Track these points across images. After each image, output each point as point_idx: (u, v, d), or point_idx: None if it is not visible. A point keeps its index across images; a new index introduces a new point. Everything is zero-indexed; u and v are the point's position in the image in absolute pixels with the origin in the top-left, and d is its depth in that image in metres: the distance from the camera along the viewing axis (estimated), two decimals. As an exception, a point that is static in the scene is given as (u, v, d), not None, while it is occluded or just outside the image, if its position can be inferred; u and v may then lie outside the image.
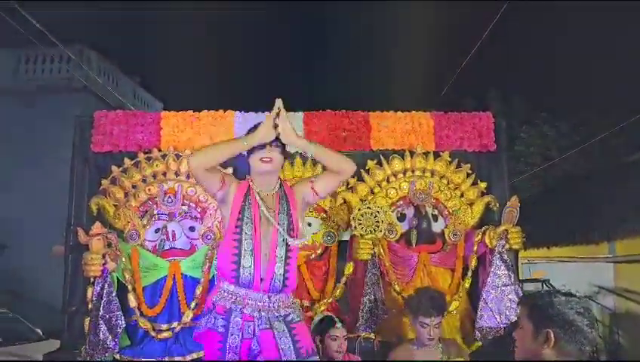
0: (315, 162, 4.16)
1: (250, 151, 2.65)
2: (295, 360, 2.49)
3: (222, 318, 2.55)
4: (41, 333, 8.15)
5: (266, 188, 2.69)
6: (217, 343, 2.52)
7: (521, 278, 4.30)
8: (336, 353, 3.36)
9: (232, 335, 2.52)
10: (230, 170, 4.09)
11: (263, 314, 2.55)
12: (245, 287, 2.56)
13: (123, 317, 3.74)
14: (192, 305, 3.88)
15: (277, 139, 2.61)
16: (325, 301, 4.02)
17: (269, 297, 2.57)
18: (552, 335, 1.81)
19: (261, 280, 2.55)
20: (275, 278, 2.56)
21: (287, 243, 2.60)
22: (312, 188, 2.69)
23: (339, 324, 3.45)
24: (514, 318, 3.80)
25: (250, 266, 2.55)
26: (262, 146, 2.60)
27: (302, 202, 2.72)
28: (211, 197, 3.93)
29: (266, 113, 4.22)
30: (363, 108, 4.44)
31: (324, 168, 4.11)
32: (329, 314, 3.71)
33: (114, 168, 4.12)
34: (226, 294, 2.59)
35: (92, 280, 3.80)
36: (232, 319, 2.54)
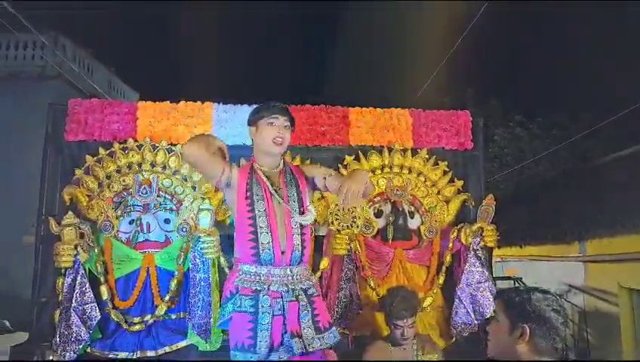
0: (302, 161, 4.17)
1: (256, 127, 2.68)
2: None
3: (249, 298, 2.55)
4: (9, 325, 7.98)
5: (271, 166, 2.70)
6: (247, 323, 2.51)
7: (494, 276, 4.35)
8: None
9: (262, 314, 2.51)
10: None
11: (289, 287, 2.58)
12: (267, 265, 2.58)
13: (97, 309, 3.69)
14: (166, 298, 3.84)
15: (290, 119, 2.68)
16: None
17: (291, 270, 2.61)
18: (528, 331, 1.84)
19: (282, 253, 2.58)
20: (295, 249, 2.60)
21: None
22: (325, 179, 2.69)
23: None
24: (488, 315, 3.85)
25: (269, 242, 2.57)
26: (271, 123, 2.63)
27: (311, 182, 2.75)
28: (191, 190, 3.92)
29: (245, 106, 4.26)
30: (342, 103, 4.45)
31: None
32: None
33: (88, 158, 4.04)
34: (248, 276, 2.59)
35: (63, 271, 3.74)
36: (261, 298, 2.54)
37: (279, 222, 2.60)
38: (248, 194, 2.61)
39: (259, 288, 2.55)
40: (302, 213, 2.64)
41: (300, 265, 2.64)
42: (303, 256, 2.65)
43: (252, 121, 2.73)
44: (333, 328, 2.69)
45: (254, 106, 4.19)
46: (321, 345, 2.59)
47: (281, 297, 2.56)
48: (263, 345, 2.48)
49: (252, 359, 2.49)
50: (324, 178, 2.69)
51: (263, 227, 2.57)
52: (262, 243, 2.56)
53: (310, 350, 2.54)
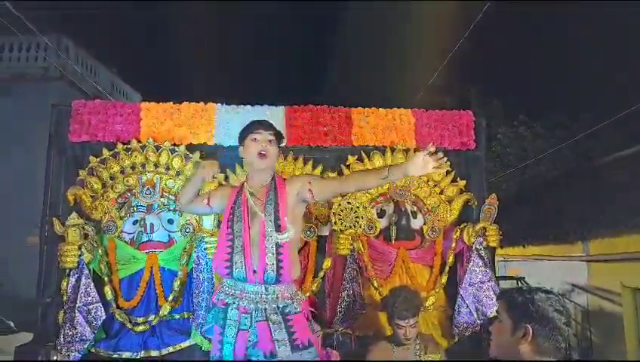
0: (305, 160, 4.20)
1: (243, 146, 2.76)
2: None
3: (221, 311, 2.63)
4: (13, 326, 8.00)
5: (259, 181, 2.77)
6: (218, 335, 2.60)
7: (497, 275, 4.35)
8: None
9: (229, 326, 2.57)
10: (216, 163, 4.07)
11: (259, 306, 2.59)
12: (241, 281, 2.62)
13: (103, 308, 3.70)
14: (170, 298, 3.85)
15: (274, 133, 2.75)
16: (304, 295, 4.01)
17: (265, 289, 2.62)
18: (531, 331, 1.84)
19: (254, 272, 2.60)
20: (268, 269, 2.59)
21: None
22: (310, 190, 2.68)
23: (313, 322, 3.45)
24: (491, 314, 3.85)
25: (241, 261, 2.61)
26: (255, 138, 2.71)
27: (295, 197, 2.72)
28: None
29: (248, 106, 4.27)
30: (345, 104, 4.45)
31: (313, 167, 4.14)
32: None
33: (92, 159, 4.06)
34: (226, 289, 2.67)
35: (67, 271, 3.76)
36: (229, 311, 2.60)
37: (253, 242, 2.62)
38: (230, 216, 2.71)
39: (230, 301, 2.62)
40: (279, 230, 2.62)
41: (278, 284, 2.62)
42: (280, 276, 2.60)
43: (240, 141, 2.81)
44: (313, 347, 2.64)
45: (257, 107, 4.27)
46: None
47: (249, 314, 2.59)
48: (228, 357, 2.55)
49: None
50: (309, 189, 2.68)
51: (238, 247, 2.63)
52: (235, 262, 2.62)
53: None
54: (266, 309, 2.59)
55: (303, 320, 2.67)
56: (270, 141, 2.72)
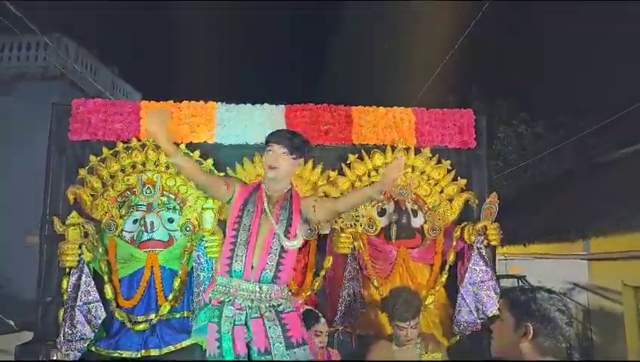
0: (306, 159, 4.16)
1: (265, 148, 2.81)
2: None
3: (217, 309, 2.64)
4: (14, 325, 7.99)
5: (275, 189, 2.81)
6: (214, 333, 2.60)
7: (498, 274, 4.35)
8: (319, 348, 3.38)
9: (225, 323, 2.58)
10: (210, 161, 4.08)
11: (255, 303, 2.61)
12: (237, 278, 2.63)
13: (103, 307, 3.71)
14: (170, 297, 3.85)
15: (288, 146, 2.75)
16: (304, 294, 4.01)
17: (260, 287, 2.63)
18: (532, 329, 1.84)
19: (252, 267, 2.62)
20: (267, 268, 2.63)
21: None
22: (314, 207, 2.78)
23: (323, 320, 3.46)
24: (491, 313, 3.84)
25: (242, 255, 2.63)
26: (269, 150, 2.76)
27: (303, 215, 2.79)
28: (195, 190, 3.94)
29: (248, 105, 4.27)
30: (345, 102, 4.45)
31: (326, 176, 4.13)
32: (311, 308, 3.70)
33: (92, 157, 4.06)
34: (220, 287, 2.67)
35: (68, 270, 3.76)
36: (225, 308, 2.61)
37: (260, 238, 2.66)
38: (241, 209, 2.73)
39: (225, 299, 2.63)
40: (287, 238, 2.69)
41: (272, 284, 2.66)
42: (277, 279, 2.65)
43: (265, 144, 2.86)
44: (307, 345, 2.66)
45: (257, 105, 4.27)
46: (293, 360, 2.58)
47: (245, 311, 2.60)
48: (227, 353, 2.55)
49: None
50: (314, 209, 2.77)
51: (242, 241, 2.65)
52: (236, 255, 2.64)
53: None
54: (260, 307, 2.61)
55: (296, 318, 2.70)
56: (282, 154, 2.75)
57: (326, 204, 2.85)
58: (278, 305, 2.65)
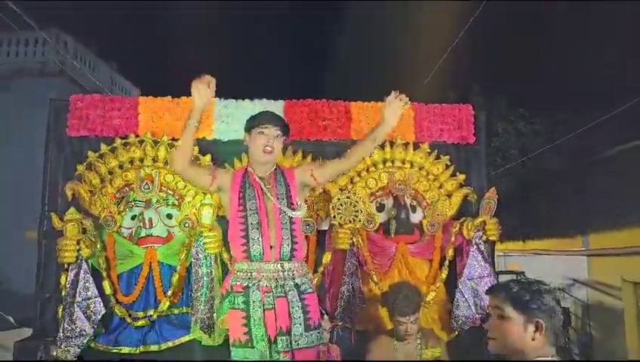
0: (304, 155, 4.22)
1: (249, 135, 2.80)
2: None
3: (241, 295, 2.64)
4: (13, 321, 8.01)
5: (263, 171, 2.81)
6: (241, 319, 2.60)
7: (496, 270, 4.35)
8: (322, 345, 3.38)
9: (254, 309, 2.59)
10: (208, 157, 4.07)
11: (279, 282, 2.64)
12: (258, 261, 2.65)
13: (102, 303, 3.71)
14: (169, 293, 3.85)
15: (281, 127, 2.77)
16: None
17: (282, 265, 2.66)
18: (543, 325, 1.83)
19: (271, 247, 2.65)
20: (284, 244, 2.66)
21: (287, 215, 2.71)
22: (312, 175, 2.80)
23: (326, 316, 3.46)
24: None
25: (258, 238, 2.65)
26: (262, 132, 2.74)
27: (300, 183, 2.83)
28: (192, 186, 3.94)
29: (247, 101, 4.26)
30: (345, 98, 4.43)
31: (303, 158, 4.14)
32: None
33: (90, 153, 4.05)
34: (240, 274, 2.68)
35: (66, 266, 3.76)
36: (252, 294, 2.61)
37: (270, 218, 2.69)
38: (241, 194, 2.74)
39: (249, 284, 2.63)
40: (292, 209, 2.73)
41: (292, 260, 2.69)
42: (295, 251, 2.70)
43: (246, 129, 2.85)
44: (322, 328, 2.73)
45: (255, 101, 4.26)
46: (307, 344, 2.61)
47: (271, 292, 2.62)
48: (259, 339, 2.55)
49: (250, 356, 2.57)
50: (312, 175, 2.80)
51: (254, 224, 2.67)
52: (252, 239, 2.65)
53: (296, 347, 2.59)
54: (284, 286, 2.64)
55: (315, 300, 2.74)
56: (277, 136, 2.77)
57: (323, 165, 2.89)
58: (302, 284, 2.69)
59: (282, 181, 2.80)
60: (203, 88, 2.54)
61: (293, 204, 2.74)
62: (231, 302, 2.67)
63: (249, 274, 2.65)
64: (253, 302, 2.59)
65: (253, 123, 2.80)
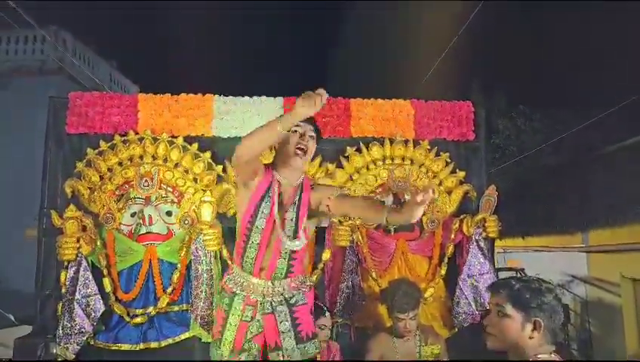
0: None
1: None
2: None
3: (228, 297, 2.61)
4: (13, 319, 8.00)
5: (290, 180, 2.58)
6: (221, 319, 2.60)
7: (496, 267, 4.35)
8: (323, 342, 3.38)
9: (232, 315, 2.57)
10: (208, 154, 4.07)
11: (267, 298, 2.57)
12: (248, 273, 2.59)
13: (101, 301, 3.71)
14: (169, 290, 3.85)
15: (315, 128, 2.53)
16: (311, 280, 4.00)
17: (272, 283, 2.58)
18: (542, 323, 1.84)
19: (261, 269, 2.56)
20: (277, 271, 2.57)
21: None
22: (328, 206, 2.56)
23: (327, 314, 3.46)
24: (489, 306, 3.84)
25: (252, 258, 2.56)
26: (296, 130, 2.47)
27: (315, 208, 2.61)
28: (193, 183, 3.90)
29: (246, 98, 4.25)
30: (344, 95, 4.43)
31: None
32: (316, 301, 3.68)
33: (89, 151, 4.05)
34: (234, 276, 2.63)
35: (66, 263, 3.76)
36: (235, 300, 2.58)
37: (272, 242, 2.53)
38: (256, 207, 2.52)
39: (237, 291, 2.59)
40: (295, 237, 2.55)
41: (284, 279, 2.58)
42: (290, 274, 2.58)
43: None
44: (316, 339, 2.66)
45: (255, 98, 4.25)
46: (302, 355, 2.56)
47: (255, 306, 2.56)
48: (225, 344, 2.55)
49: (214, 356, 2.58)
50: (327, 205, 2.55)
51: (254, 243, 2.54)
52: (247, 256, 2.57)
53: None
54: (272, 302, 2.56)
55: (307, 311, 2.66)
56: (311, 137, 2.53)
57: (343, 199, 2.56)
58: (291, 298, 2.59)
59: (297, 202, 2.56)
60: (317, 100, 2.11)
61: (298, 233, 2.54)
62: (221, 299, 2.67)
63: (241, 280, 2.60)
64: (234, 308, 2.57)
65: None
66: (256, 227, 2.53)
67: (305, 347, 2.57)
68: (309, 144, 2.51)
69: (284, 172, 2.57)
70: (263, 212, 2.52)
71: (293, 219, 2.55)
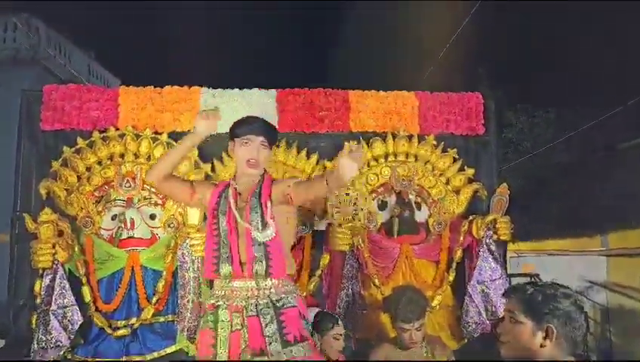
0: (299, 149, 4.21)
1: (233, 143, 2.80)
2: None
3: (211, 314, 2.67)
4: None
5: (247, 181, 2.79)
6: (210, 339, 2.62)
7: (509, 272, 4.35)
8: (339, 352, 3.39)
9: (221, 329, 2.61)
10: (195, 152, 4.06)
11: (252, 301, 2.63)
12: (228, 278, 2.67)
13: (79, 312, 3.70)
14: (153, 300, 3.85)
15: (267, 136, 2.77)
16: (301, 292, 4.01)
17: (256, 283, 2.65)
18: (555, 331, 1.83)
19: (241, 263, 2.64)
20: (256, 261, 2.63)
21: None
22: (289, 194, 2.69)
23: (341, 323, 3.47)
24: (501, 314, 3.84)
25: (228, 256, 2.66)
26: (246, 143, 2.74)
27: (277, 200, 2.73)
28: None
29: (236, 90, 4.25)
30: (343, 86, 4.43)
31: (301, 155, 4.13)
32: (328, 311, 3.68)
33: (66, 148, 4.04)
34: (215, 291, 2.73)
35: (41, 272, 3.75)
36: (220, 312, 2.64)
37: (241, 235, 2.67)
38: (215, 212, 2.74)
39: (219, 303, 2.66)
40: (264, 228, 2.66)
41: (268, 279, 2.66)
42: (271, 269, 2.64)
43: (229, 136, 2.85)
44: (306, 342, 2.65)
45: (245, 90, 4.25)
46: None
47: (241, 312, 2.62)
48: (221, 359, 2.57)
49: None
50: (289, 194, 2.67)
51: (225, 242, 2.68)
52: (222, 256, 2.67)
53: None
54: (257, 304, 2.62)
55: (296, 314, 2.68)
56: (263, 146, 2.77)
57: (303, 185, 2.72)
58: (278, 300, 2.65)
59: (257, 200, 2.71)
60: (211, 115, 2.71)
61: (265, 219, 2.66)
62: (204, 321, 2.71)
63: (221, 292, 2.68)
64: (222, 321, 2.61)
65: (235, 131, 2.79)
66: (222, 226, 2.69)
67: (291, 351, 2.58)
68: (259, 156, 2.76)
69: (241, 179, 2.81)
70: (222, 211, 2.72)
71: (257, 208, 2.69)
